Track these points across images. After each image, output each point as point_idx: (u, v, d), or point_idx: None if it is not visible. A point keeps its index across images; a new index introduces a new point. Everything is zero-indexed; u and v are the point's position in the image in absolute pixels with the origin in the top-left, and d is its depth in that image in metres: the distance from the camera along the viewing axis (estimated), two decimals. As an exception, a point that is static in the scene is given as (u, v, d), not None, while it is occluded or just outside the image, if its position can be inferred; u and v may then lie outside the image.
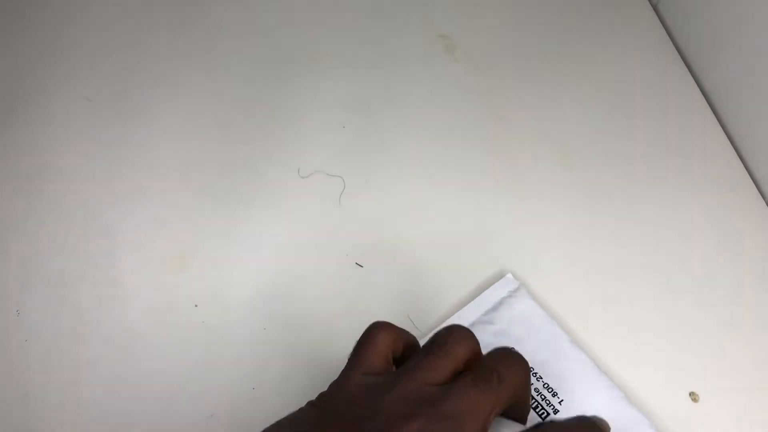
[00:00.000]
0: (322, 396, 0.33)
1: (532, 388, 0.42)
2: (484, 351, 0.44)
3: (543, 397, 0.42)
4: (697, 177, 0.57)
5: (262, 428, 0.42)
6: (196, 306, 0.47)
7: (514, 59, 0.65)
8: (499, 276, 0.49)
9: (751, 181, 0.57)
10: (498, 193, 0.55)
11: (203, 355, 0.45)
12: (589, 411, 0.42)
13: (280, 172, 0.55)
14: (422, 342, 0.45)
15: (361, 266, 0.50)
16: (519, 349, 0.44)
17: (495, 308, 0.46)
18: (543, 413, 0.41)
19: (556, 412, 0.41)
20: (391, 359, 0.35)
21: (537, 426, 0.32)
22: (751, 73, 0.59)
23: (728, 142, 0.59)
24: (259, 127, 0.58)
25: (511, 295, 0.47)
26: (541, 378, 0.43)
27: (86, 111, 0.58)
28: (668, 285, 0.50)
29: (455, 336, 0.35)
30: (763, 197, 0.56)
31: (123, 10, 0.67)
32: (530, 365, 0.43)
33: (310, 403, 0.33)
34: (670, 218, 0.54)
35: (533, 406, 0.42)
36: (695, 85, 0.64)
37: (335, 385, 0.34)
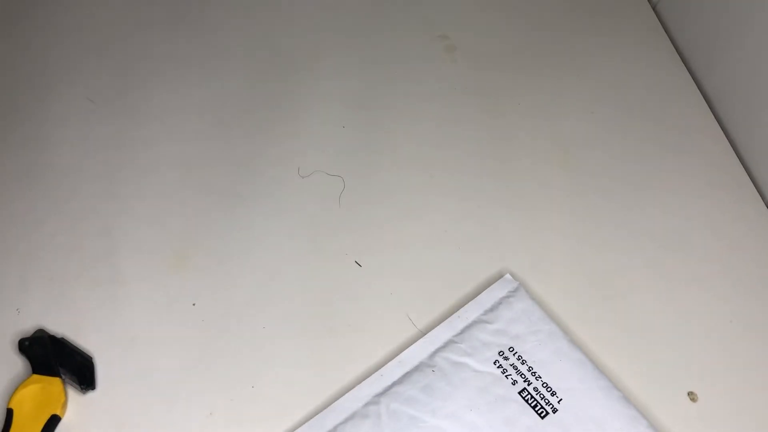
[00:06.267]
0: None
1: (532, 387, 0.42)
2: (484, 350, 0.45)
3: (542, 396, 0.42)
4: (696, 177, 0.57)
5: (261, 426, 0.42)
6: (193, 305, 0.47)
7: (513, 60, 0.65)
8: (498, 276, 0.49)
9: (750, 182, 0.57)
10: (497, 192, 0.55)
11: (203, 353, 0.45)
12: (587, 410, 0.42)
13: (279, 171, 0.55)
14: (422, 343, 0.46)
15: (360, 265, 0.50)
16: (517, 348, 0.44)
17: (494, 308, 0.46)
18: (542, 412, 0.41)
19: (555, 411, 0.41)
20: None
21: None
22: (751, 73, 0.59)
23: (728, 143, 0.59)
24: (259, 127, 0.58)
25: (510, 294, 0.47)
26: (540, 377, 0.43)
27: (87, 111, 0.58)
28: (667, 285, 0.50)
29: None
30: (763, 198, 0.56)
31: (124, 11, 0.67)
32: (529, 364, 0.44)
33: None
34: (669, 218, 0.54)
35: (533, 405, 0.42)
36: (695, 85, 0.64)
37: None
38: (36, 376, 0.42)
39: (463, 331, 0.45)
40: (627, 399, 0.43)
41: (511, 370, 0.43)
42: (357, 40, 0.66)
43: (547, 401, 0.42)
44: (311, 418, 0.42)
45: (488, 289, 0.48)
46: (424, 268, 0.50)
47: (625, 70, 0.65)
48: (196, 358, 0.45)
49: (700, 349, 0.47)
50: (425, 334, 0.46)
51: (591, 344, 0.46)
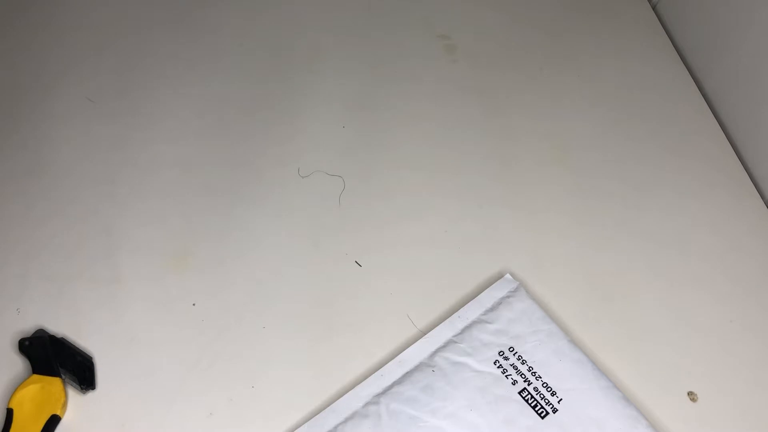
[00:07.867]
0: None
1: (532, 387, 0.42)
2: (484, 350, 0.45)
3: (542, 396, 0.42)
4: (696, 177, 0.57)
5: (261, 426, 0.42)
6: (193, 305, 0.47)
7: (513, 60, 0.65)
8: (498, 276, 0.49)
9: (750, 182, 0.57)
10: (497, 192, 0.55)
11: (203, 353, 0.45)
12: (587, 410, 0.42)
13: (280, 171, 0.55)
14: (422, 343, 0.46)
15: (360, 265, 0.50)
16: (518, 348, 0.44)
17: (494, 308, 0.46)
18: (542, 412, 0.41)
19: (555, 411, 0.41)
20: None
21: None
22: (751, 73, 0.59)
23: (728, 143, 0.60)
24: (259, 127, 0.58)
25: (510, 294, 0.47)
26: (540, 377, 0.43)
27: (88, 111, 0.58)
28: (667, 285, 0.50)
29: None
30: (763, 198, 0.56)
31: (124, 11, 0.67)
32: (529, 364, 0.44)
33: None
34: (669, 219, 0.54)
35: (533, 405, 0.42)
36: (695, 85, 0.64)
37: None
38: (36, 376, 0.42)
39: (463, 331, 0.45)
40: (627, 399, 0.43)
41: (511, 370, 0.43)
42: (357, 40, 0.66)
43: (547, 401, 0.42)
44: (311, 418, 0.42)
45: (488, 289, 0.48)
46: (424, 268, 0.50)
47: (625, 70, 0.65)
48: (196, 358, 0.45)
49: (700, 349, 0.47)
50: (425, 334, 0.46)
51: (591, 344, 0.46)
